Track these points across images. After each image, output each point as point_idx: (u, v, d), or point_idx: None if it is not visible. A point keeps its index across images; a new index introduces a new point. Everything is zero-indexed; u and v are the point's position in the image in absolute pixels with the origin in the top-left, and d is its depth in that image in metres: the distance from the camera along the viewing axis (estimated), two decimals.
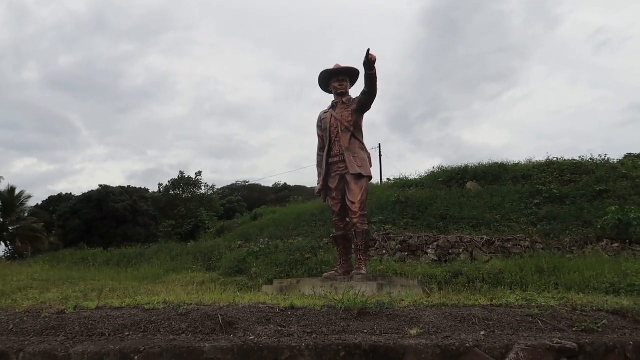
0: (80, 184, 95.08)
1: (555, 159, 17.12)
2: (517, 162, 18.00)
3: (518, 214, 13.69)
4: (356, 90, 6.75)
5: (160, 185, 27.17)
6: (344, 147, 6.51)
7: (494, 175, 16.91)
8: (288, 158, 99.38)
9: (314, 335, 2.75)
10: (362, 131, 6.79)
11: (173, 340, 2.64)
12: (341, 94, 6.68)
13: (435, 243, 12.43)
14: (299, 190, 48.10)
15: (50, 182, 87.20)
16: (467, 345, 2.58)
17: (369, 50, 5.90)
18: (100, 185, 28.81)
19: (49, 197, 42.30)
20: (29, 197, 27.98)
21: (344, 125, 6.56)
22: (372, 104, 6.50)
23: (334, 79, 6.71)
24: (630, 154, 21.41)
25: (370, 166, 6.76)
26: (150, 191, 36.94)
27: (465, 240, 12.14)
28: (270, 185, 55.35)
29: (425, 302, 3.60)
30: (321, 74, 6.81)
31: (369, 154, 6.90)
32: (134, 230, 27.77)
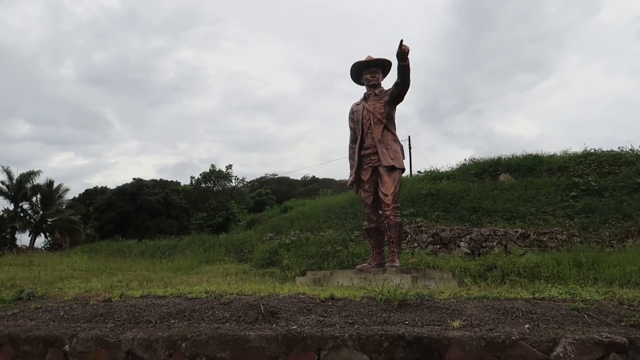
0: (114, 177, 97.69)
1: (592, 150, 16.61)
2: (552, 153, 17.55)
3: (554, 207, 13.35)
4: (388, 82, 6.70)
5: (192, 178, 27.69)
6: (376, 139, 6.47)
7: (528, 167, 16.53)
8: (317, 151, 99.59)
9: (356, 326, 2.76)
10: (395, 123, 6.74)
11: (218, 329, 2.70)
12: (373, 86, 6.64)
13: (468, 236, 12.25)
14: (328, 182, 48.13)
15: (86, 175, 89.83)
16: (513, 338, 2.54)
17: (402, 41, 5.83)
18: (134, 179, 29.53)
19: (85, 190, 43.60)
20: (67, 190, 28.95)
21: (377, 117, 6.52)
22: (405, 95, 6.44)
23: (366, 71, 6.67)
24: None
25: (403, 158, 6.71)
26: (182, 184, 37.68)
27: (499, 233, 11.93)
28: (299, 178, 55.66)
29: (465, 295, 3.56)
30: (353, 65, 6.78)
31: (401, 146, 6.85)
32: (166, 223, 28.36)
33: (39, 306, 3.61)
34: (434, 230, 12.81)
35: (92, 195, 42.92)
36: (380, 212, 6.69)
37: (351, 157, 6.95)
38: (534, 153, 17.58)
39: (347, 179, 7.13)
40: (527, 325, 2.84)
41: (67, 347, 2.67)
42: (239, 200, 27.58)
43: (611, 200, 13.01)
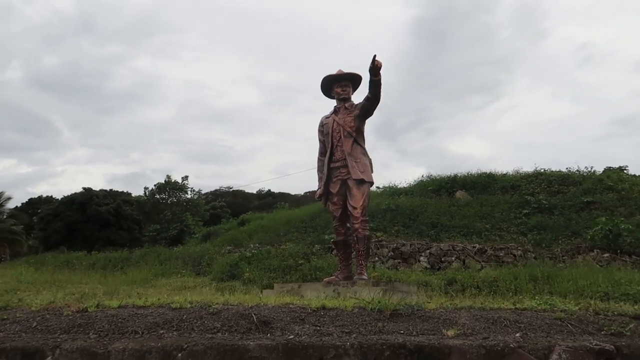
0: (61, 186, 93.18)
1: (542, 170, 17.42)
2: (505, 172, 18.26)
3: (508, 224, 13.86)
4: (358, 96, 6.76)
5: (146, 189, 26.93)
6: (346, 152, 6.47)
7: (483, 185, 17.11)
8: (273, 164, 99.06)
9: (353, 335, 2.73)
10: (364, 137, 6.77)
11: (212, 339, 2.59)
12: (344, 99, 6.66)
13: (428, 251, 12.50)
14: (284, 197, 47.97)
15: (30, 184, 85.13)
16: (511, 345, 2.59)
17: (375, 56, 5.88)
18: (84, 188, 28.29)
19: (28, 199, 41.47)
20: (9, 198, 27.39)
21: (347, 130, 6.52)
22: (374, 110, 6.48)
23: (337, 84, 6.68)
24: (610, 167, 21.83)
25: (372, 172, 6.76)
26: (133, 195, 36.50)
27: (458, 249, 12.23)
28: (254, 192, 55.16)
29: (451, 305, 3.60)
30: (324, 79, 6.80)
31: (370, 160, 6.87)
32: (117, 234, 27.29)
33: (5, 317, 3.36)
34: (395, 245, 12.98)
35: (37, 204, 40.81)
36: (349, 224, 6.68)
37: (320, 170, 6.92)
38: (488, 171, 18.22)
39: (316, 191, 7.07)
40: (517, 334, 2.90)
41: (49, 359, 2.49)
42: (194, 212, 26.99)
43: (561, 218, 13.64)
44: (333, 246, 7.55)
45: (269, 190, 55.01)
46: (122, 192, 38.16)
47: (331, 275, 7.14)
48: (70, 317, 3.15)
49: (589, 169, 17.27)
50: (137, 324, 2.91)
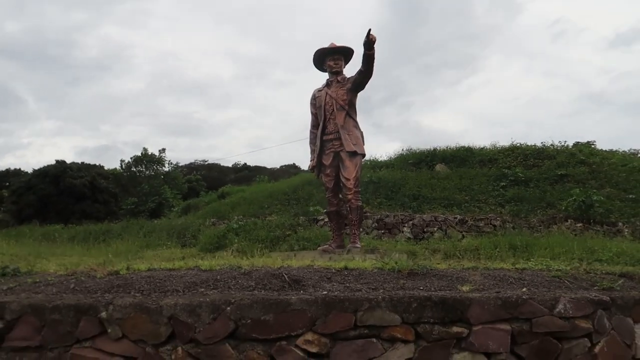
0: (28, 159, 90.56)
1: (518, 144, 17.98)
2: (482, 146, 18.74)
3: (486, 195, 14.37)
4: (349, 69, 6.90)
5: (122, 161, 26.53)
6: (339, 125, 6.61)
7: (461, 159, 17.56)
8: (248, 138, 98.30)
9: (380, 290, 2.98)
10: (356, 110, 6.91)
11: (254, 294, 2.80)
12: (336, 73, 6.77)
13: (411, 222, 12.90)
14: (260, 170, 47.87)
15: None
16: (524, 297, 2.90)
17: (369, 30, 5.98)
18: (57, 161, 27.68)
19: None
20: None
21: (339, 103, 6.65)
22: (367, 83, 6.59)
23: (329, 58, 6.78)
24: (579, 142, 22.57)
25: (363, 144, 6.96)
26: (106, 168, 35.86)
27: (440, 219, 12.67)
28: (230, 165, 54.87)
29: (459, 266, 3.90)
30: (316, 52, 6.87)
31: (362, 133, 7.05)
32: (93, 207, 26.91)
33: (38, 280, 3.48)
34: (379, 216, 13.34)
35: (4, 178, 39.78)
36: (341, 195, 6.90)
37: (312, 142, 7.06)
38: (466, 145, 18.68)
39: (309, 163, 7.24)
40: (524, 289, 3.21)
41: (103, 314, 2.65)
42: (172, 185, 26.82)
43: (536, 190, 14.23)
44: (327, 216, 7.77)
45: (245, 163, 54.80)
46: (95, 165, 37.51)
47: (325, 244, 7.41)
48: (106, 279, 3.30)
49: (563, 143, 17.94)
50: (175, 283, 3.10)
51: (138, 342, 2.65)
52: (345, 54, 6.88)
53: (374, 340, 2.73)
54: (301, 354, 2.66)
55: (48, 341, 2.70)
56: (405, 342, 2.76)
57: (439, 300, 2.81)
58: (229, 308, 2.63)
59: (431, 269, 3.58)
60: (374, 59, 6.22)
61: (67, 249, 14.35)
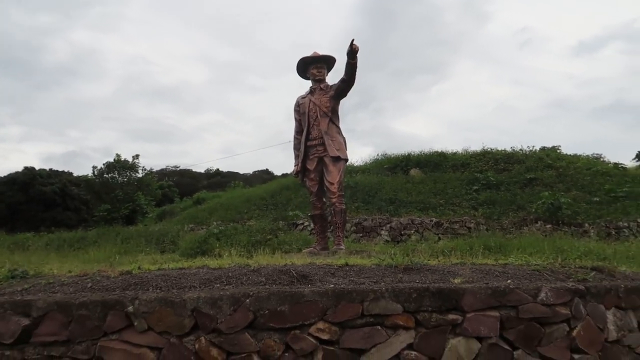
0: None
1: (489, 149, 18.67)
2: (455, 151, 19.37)
3: (460, 199, 14.90)
4: (332, 77, 7.22)
5: (94, 168, 26.13)
6: (322, 131, 6.88)
7: (435, 163, 18.12)
8: (220, 144, 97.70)
9: (382, 283, 3.27)
10: (339, 116, 7.20)
11: (268, 288, 3.04)
12: (319, 80, 7.04)
13: (388, 225, 13.28)
14: (233, 176, 47.82)
15: None
16: (510, 287, 3.23)
17: (353, 40, 6.27)
18: (26, 167, 27.07)
19: None
20: None
21: (323, 110, 6.93)
22: (349, 91, 6.87)
23: (312, 66, 7.04)
24: (545, 147, 23.51)
25: (346, 149, 7.26)
26: (74, 175, 35.22)
27: (416, 222, 13.10)
28: (202, 171, 54.52)
29: (448, 262, 4.22)
30: (299, 61, 7.11)
31: (344, 138, 7.34)
32: (64, 215, 26.46)
33: (52, 281, 3.62)
34: (357, 220, 13.68)
35: None
36: (325, 199, 7.18)
37: (296, 148, 7.30)
38: (439, 150, 19.26)
39: (293, 168, 7.48)
40: (509, 281, 3.55)
41: (130, 309, 2.85)
42: (146, 192, 26.57)
43: (507, 193, 14.86)
44: (310, 220, 8.03)
45: (218, 169, 54.54)
46: (65, 172, 36.77)
47: (309, 247, 7.66)
48: (120, 279, 3.48)
49: (531, 148, 18.73)
50: (190, 280, 3.31)
51: (163, 333, 2.85)
52: (327, 62, 7.16)
53: (379, 327, 3.01)
54: (314, 341, 2.91)
55: (76, 335, 2.88)
56: (407, 328, 3.05)
57: (436, 290, 3.11)
58: (248, 300, 2.87)
59: (424, 265, 3.89)
60: (356, 67, 6.51)
61: (42, 257, 14.11)
